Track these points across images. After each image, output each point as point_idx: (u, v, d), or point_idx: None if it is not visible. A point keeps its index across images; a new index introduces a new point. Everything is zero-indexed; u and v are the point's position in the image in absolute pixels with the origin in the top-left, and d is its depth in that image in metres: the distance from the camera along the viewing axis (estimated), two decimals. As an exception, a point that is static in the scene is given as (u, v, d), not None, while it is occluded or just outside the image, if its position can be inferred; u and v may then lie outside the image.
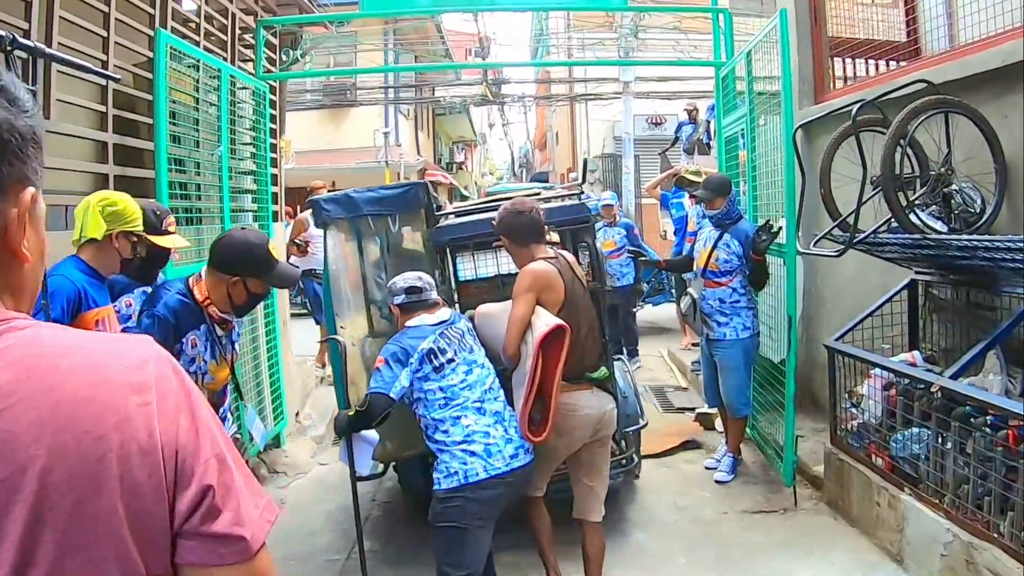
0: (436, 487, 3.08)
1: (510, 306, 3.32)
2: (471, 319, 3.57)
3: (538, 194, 4.89)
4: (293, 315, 7.85)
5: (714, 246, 5.27)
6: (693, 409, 7.03)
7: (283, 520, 5.09)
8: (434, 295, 3.44)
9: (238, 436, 3.68)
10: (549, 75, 21.79)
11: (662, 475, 5.61)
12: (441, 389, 3.16)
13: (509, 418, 3.20)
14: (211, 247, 3.00)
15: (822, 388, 5.73)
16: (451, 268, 4.87)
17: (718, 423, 6.32)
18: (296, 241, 7.74)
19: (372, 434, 3.30)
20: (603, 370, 3.50)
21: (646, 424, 4.84)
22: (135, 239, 3.06)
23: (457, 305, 4.60)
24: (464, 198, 23.91)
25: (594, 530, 3.55)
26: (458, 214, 4.49)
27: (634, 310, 8.89)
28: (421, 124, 23.28)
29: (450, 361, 3.20)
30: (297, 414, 7.15)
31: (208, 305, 2.99)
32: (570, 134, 23.30)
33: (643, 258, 7.43)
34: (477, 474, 3.02)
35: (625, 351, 8.25)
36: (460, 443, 3.07)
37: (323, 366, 8.30)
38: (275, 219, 6.98)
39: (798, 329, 4.85)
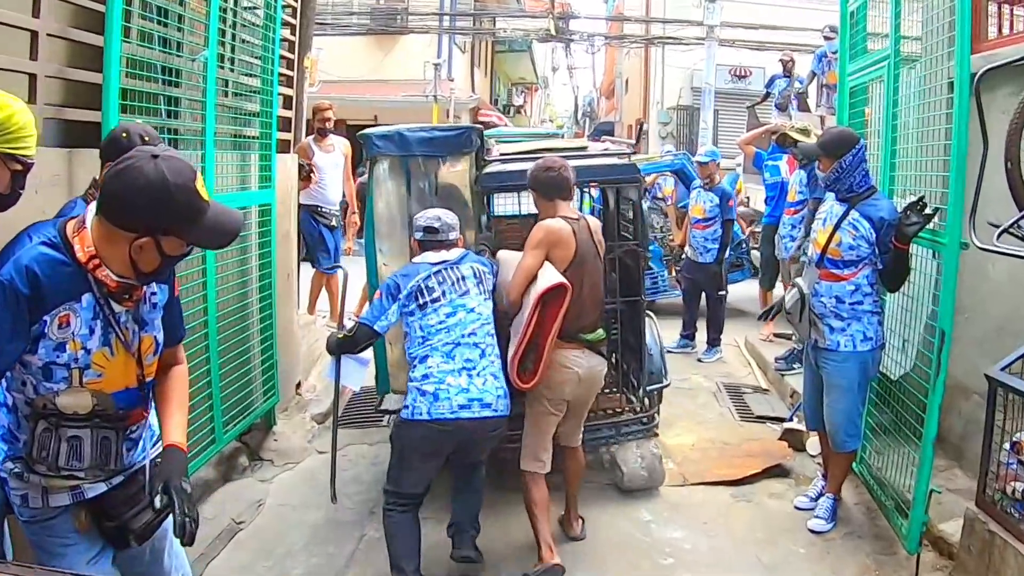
0: (399, 412, 3.41)
1: (515, 259, 3.56)
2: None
3: (584, 148, 4.99)
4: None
5: (836, 226, 4.12)
6: (777, 420, 5.98)
7: (256, 530, 4.22)
8: (452, 236, 3.62)
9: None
10: (623, 12, 20.38)
11: (741, 513, 4.60)
12: (420, 328, 3.36)
13: (483, 369, 3.36)
14: (102, 182, 1.99)
15: (949, 416, 4.63)
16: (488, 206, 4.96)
17: (811, 444, 5.27)
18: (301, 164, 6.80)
19: (365, 355, 3.61)
20: (599, 332, 3.69)
21: (669, 384, 5.00)
22: (18, 167, 2.15)
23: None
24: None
25: (574, 451, 3.95)
26: (505, 160, 4.51)
27: (722, 293, 7.78)
28: (478, 60, 22.13)
29: (435, 300, 3.38)
30: (298, 385, 6.28)
31: (95, 267, 2.00)
32: (642, 82, 21.97)
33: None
34: (420, 414, 3.27)
35: (708, 340, 7.75)
36: (416, 381, 3.31)
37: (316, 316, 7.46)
38: (287, 149, 6.05)
39: (935, 341, 3.74)
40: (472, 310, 3.44)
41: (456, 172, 4.43)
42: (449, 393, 3.28)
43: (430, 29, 16.83)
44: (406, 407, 3.34)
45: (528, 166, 3.92)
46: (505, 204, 5.53)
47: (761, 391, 6.89)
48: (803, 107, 11.13)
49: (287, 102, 6.06)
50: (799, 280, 4.37)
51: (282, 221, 5.77)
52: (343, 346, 3.52)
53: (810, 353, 4.38)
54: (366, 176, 4.74)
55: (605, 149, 5.15)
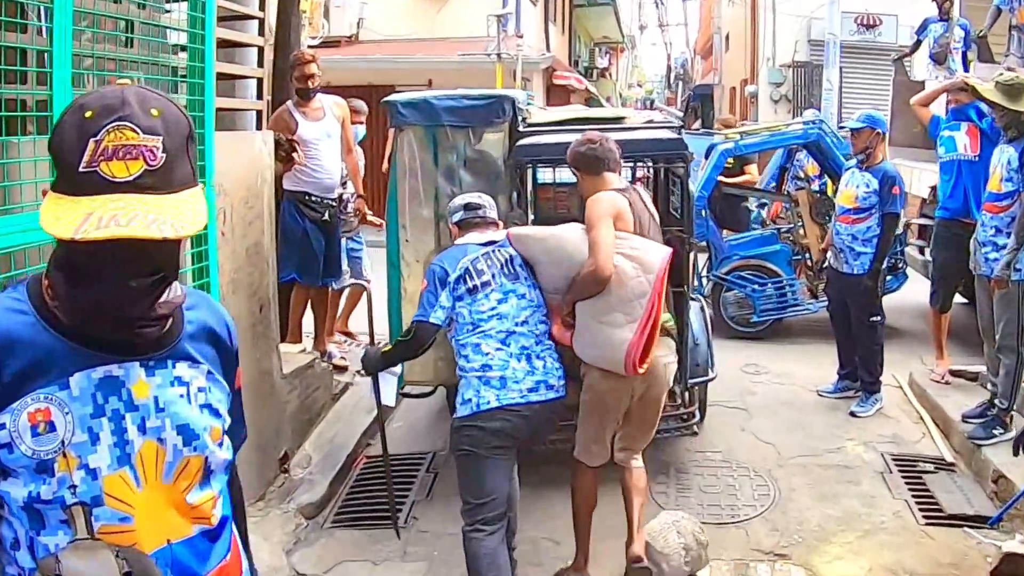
0: (453, 415, 3.41)
1: (560, 232, 3.53)
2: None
3: (622, 119, 4.99)
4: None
5: None
6: (981, 522, 4.22)
7: None
8: (492, 214, 3.64)
9: None
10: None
11: None
12: (470, 313, 3.34)
13: (541, 352, 3.35)
14: None
15: None
16: (530, 177, 4.99)
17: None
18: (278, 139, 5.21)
19: (395, 367, 3.74)
20: (666, 315, 3.60)
21: (715, 377, 4.92)
22: None
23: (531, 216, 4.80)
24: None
25: (636, 472, 3.69)
26: (542, 131, 4.50)
27: (876, 319, 5.83)
28: (553, 15, 20.35)
29: (485, 284, 3.36)
30: (284, 459, 4.75)
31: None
32: (748, 36, 19.89)
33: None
34: (488, 403, 3.21)
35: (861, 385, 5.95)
36: (477, 371, 3.26)
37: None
38: (257, 125, 4.49)
39: None
40: (523, 296, 3.42)
41: (488, 143, 4.41)
42: (517, 378, 3.26)
43: (495, -24, 15.11)
44: (466, 402, 3.28)
45: (566, 137, 3.92)
46: (553, 174, 5.29)
47: (946, 467, 5.01)
48: (986, 56, 9.01)
49: (259, 58, 4.49)
50: None
51: (247, 229, 4.26)
52: (397, 353, 3.56)
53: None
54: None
55: (649, 120, 5.12)
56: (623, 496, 3.71)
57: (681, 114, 6.51)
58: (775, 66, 17.70)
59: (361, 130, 6.31)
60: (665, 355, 3.56)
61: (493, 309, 3.33)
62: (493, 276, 3.38)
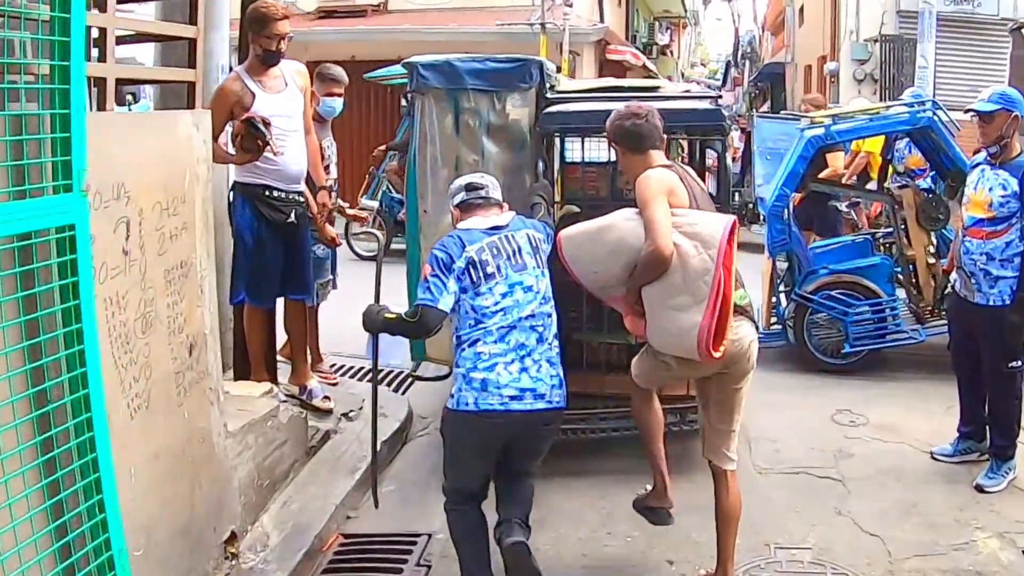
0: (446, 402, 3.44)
1: (623, 215, 3.39)
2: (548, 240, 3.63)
3: (657, 89, 5.02)
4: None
5: None
6: None
7: None
8: (496, 195, 3.55)
9: None
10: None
11: None
12: (473, 308, 3.31)
13: (539, 356, 3.34)
14: None
15: None
16: (558, 150, 4.94)
17: None
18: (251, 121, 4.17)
19: None
20: (742, 291, 3.47)
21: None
22: None
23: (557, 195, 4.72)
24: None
25: (726, 480, 3.54)
26: (572, 99, 4.50)
27: (1017, 365, 4.54)
28: (610, -16, 19.09)
29: (489, 277, 3.31)
30: (231, 540, 3.77)
31: None
32: (827, 7, 18.42)
33: None
34: (467, 404, 3.28)
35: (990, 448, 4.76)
36: (462, 368, 3.31)
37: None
38: (192, 102, 3.49)
39: None
40: (529, 288, 3.37)
41: (514, 110, 4.36)
42: (500, 382, 3.26)
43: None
44: (452, 396, 3.34)
45: (597, 106, 4.05)
46: (581, 150, 4.93)
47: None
48: None
49: (191, 14, 3.44)
50: None
51: (166, 245, 3.27)
52: (398, 329, 3.48)
53: None
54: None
55: (686, 91, 5.29)
56: (716, 518, 3.57)
57: (720, 83, 5.76)
58: (859, 41, 16.23)
59: (339, 104, 5.23)
60: (748, 334, 3.43)
61: (497, 303, 3.31)
62: (499, 268, 3.33)
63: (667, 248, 3.15)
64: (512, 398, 3.26)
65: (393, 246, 9.20)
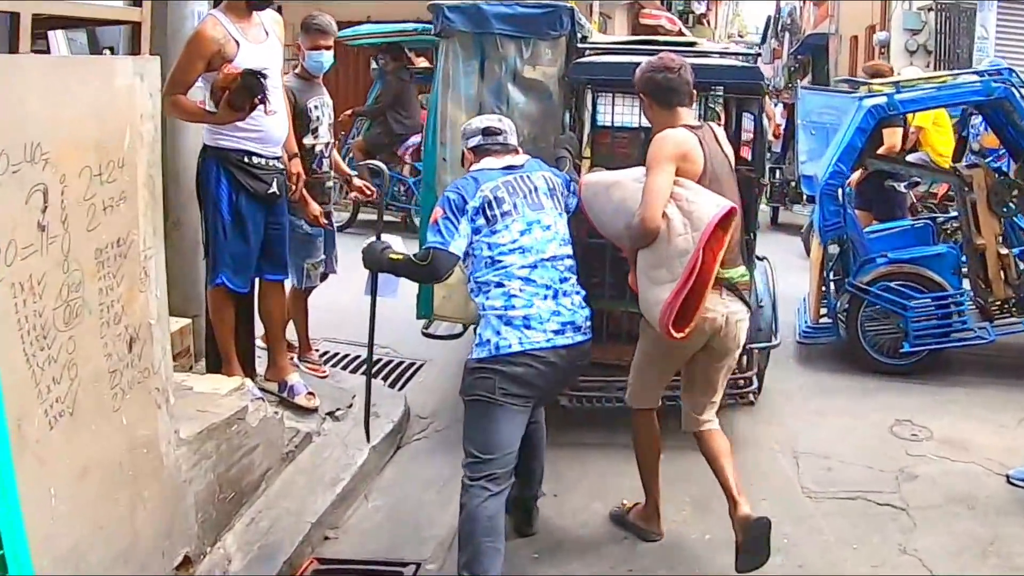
0: (469, 356, 3.23)
1: (635, 174, 3.40)
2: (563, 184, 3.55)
3: (693, 45, 4.98)
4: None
5: None
6: None
7: None
8: (513, 140, 3.45)
9: None
10: None
11: None
12: (489, 247, 3.21)
13: (568, 289, 3.28)
14: None
15: None
16: (589, 111, 4.77)
17: None
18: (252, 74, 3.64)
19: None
20: (741, 269, 3.50)
21: (778, 344, 4.74)
22: None
23: (586, 159, 4.56)
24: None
25: (708, 435, 3.54)
26: (604, 50, 4.50)
27: None
28: (646, -54, 18.28)
29: (506, 215, 3.21)
30: (184, 566, 3.27)
31: None
32: (877, -27, 17.55)
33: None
34: (510, 346, 3.11)
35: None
36: (497, 309, 3.16)
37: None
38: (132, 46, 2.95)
39: None
40: (548, 227, 3.28)
41: (542, 58, 4.31)
42: (541, 319, 3.16)
43: None
44: (483, 343, 3.15)
45: (633, 59, 3.86)
46: (612, 113, 4.71)
47: None
48: None
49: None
50: None
51: (98, 219, 2.80)
52: (405, 270, 3.34)
53: None
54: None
55: (725, 48, 5.40)
56: (710, 466, 3.52)
57: (759, 41, 5.37)
58: (912, 9, 15.38)
59: (327, 58, 4.63)
60: (735, 312, 3.41)
61: (515, 242, 3.21)
62: (515, 206, 3.24)
63: (653, 222, 3.17)
64: (556, 332, 3.17)
65: (361, 216, 8.82)
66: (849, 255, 5.72)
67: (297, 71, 4.70)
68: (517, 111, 4.25)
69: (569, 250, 3.36)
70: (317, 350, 5.34)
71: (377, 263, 3.37)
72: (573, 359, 3.26)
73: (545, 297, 3.20)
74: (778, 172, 11.44)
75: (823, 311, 5.82)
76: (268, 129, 3.95)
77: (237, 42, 3.80)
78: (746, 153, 4.83)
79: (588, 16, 12.65)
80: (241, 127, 3.85)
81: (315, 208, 4.44)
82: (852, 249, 5.64)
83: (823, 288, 5.84)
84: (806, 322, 5.88)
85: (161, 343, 3.14)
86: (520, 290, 3.17)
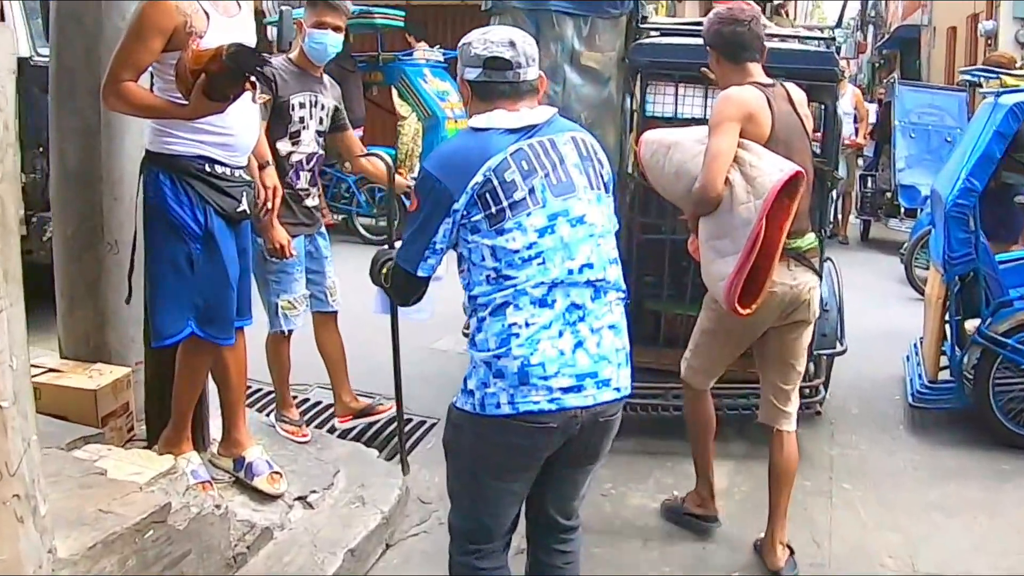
0: (454, 399, 2.50)
1: (697, 135, 3.32)
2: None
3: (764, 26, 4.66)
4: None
5: None
6: None
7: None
8: (532, 75, 2.45)
9: None
10: None
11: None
12: (494, 254, 2.32)
13: (598, 320, 2.38)
14: None
15: None
16: (639, 97, 4.54)
17: None
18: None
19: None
20: (810, 237, 3.41)
21: (844, 351, 4.58)
22: None
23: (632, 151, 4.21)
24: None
25: (782, 439, 3.41)
26: (669, 32, 4.38)
27: None
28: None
29: (517, 205, 2.30)
30: None
31: None
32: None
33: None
34: (498, 406, 2.32)
35: None
36: (488, 352, 2.33)
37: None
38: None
39: None
40: (581, 220, 2.36)
41: (602, 38, 4.19)
42: (547, 369, 2.28)
43: None
44: (466, 393, 2.38)
45: (697, 41, 3.67)
46: (667, 102, 4.49)
47: None
48: None
49: None
50: None
51: None
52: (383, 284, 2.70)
53: None
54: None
55: (795, 32, 5.11)
56: (769, 476, 3.40)
57: (835, 25, 4.65)
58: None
59: (332, 40, 3.76)
60: (805, 282, 3.28)
61: (532, 246, 2.29)
62: (532, 190, 2.30)
63: (713, 188, 3.08)
64: (566, 390, 2.32)
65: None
66: (974, 292, 4.62)
67: (292, 55, 3.86)
68: (574, 94, 4.16)
69: (613, 251, 2.46)
70: (308, 399, 4.48)
71: (374, 276, 2.71)
72: (597, 422, 2.41)
73: (561, 333, 2.33)
74: (870, 180, 10.31)
75: (943, 367, 4.73)
76: (237, 131, 3.09)
77: (207, 12, 2.96)
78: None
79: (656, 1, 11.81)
80: (201, 127, 3.00)
81: (280, 235, 3.58)
82: (984, 288, 4.53)
83: (943, 336, 4.75)
84: (920, 378, 4.78)
85: (22, 432, 2.28)
86: (527, 322, 2.31)
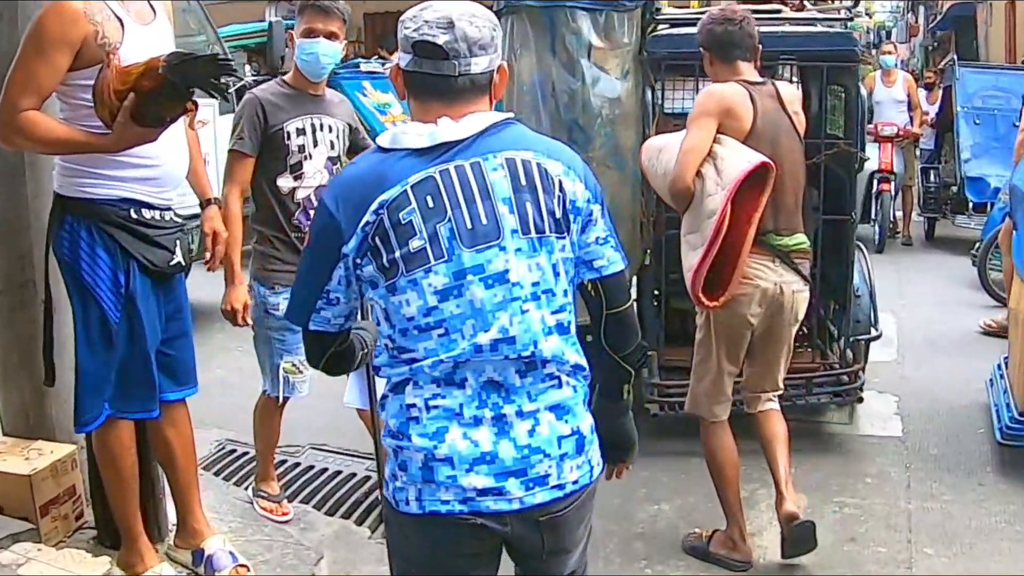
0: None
1: (670, 142, 3.44)
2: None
3: (779, 11, 4.83)
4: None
5: None
6: None
7: None
8: (476, 66, 1.84)
9: None
10: None
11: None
12: (388, 317, 1.88)
13: (536, 400, 1.88)
14: None
15: None
16: (658, 93, 4.54)
17: None
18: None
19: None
20: (799, 238, 3.42)
21: (879, 335, 4.71)
22: None
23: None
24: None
25: (769, 416, 3.54)
26: (683, 22, 4.42)
27: None
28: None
29: (411, 258, 1.80)
30: None
31: None
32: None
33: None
34: (407, 503, 1.91)
35: None
36: (393, 436, 1.92)
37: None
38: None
39: None
40: (503, 278, 1.81)
41: (618, 30, 4.22)
42: (455, 467, 1.84)
43: None
44: (388, 480, 1.97)
45: None
46: (686, 97, 4.69)
47: None
48: None
49: None
50: None
51: None
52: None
53: None
54: None
55: (811, 14, 5.10)
56: (762, 449, 3.50)
57: (852, 5, 4.23)
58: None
59: (324, 49, 3.31)
60: (789, 282, 3.35)
61: (431, 312, 1.80)
62: (434, 237, 1.78)
63: (682, 180, 3.21)
64: (483, 492, 1.85)
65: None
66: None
67: (286, 76, 3.45)
68: (594, 89, 4.18)
69: (551, 316, 1.89)
70: (299, 463, 4.02)
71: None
72: (535, 523, 1.91)
73: (477, 420, 1.86)
74: (933, 174, 9.65)
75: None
76: (164, 161, 2.67)
77: (120, 19, 2.53)
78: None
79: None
80: (122, 160, 2.57)
81: (234, 296, 3.15)
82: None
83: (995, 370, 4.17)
84: (1009, 409, 4.17)
85: None
86: (427, 404, 1.87)
